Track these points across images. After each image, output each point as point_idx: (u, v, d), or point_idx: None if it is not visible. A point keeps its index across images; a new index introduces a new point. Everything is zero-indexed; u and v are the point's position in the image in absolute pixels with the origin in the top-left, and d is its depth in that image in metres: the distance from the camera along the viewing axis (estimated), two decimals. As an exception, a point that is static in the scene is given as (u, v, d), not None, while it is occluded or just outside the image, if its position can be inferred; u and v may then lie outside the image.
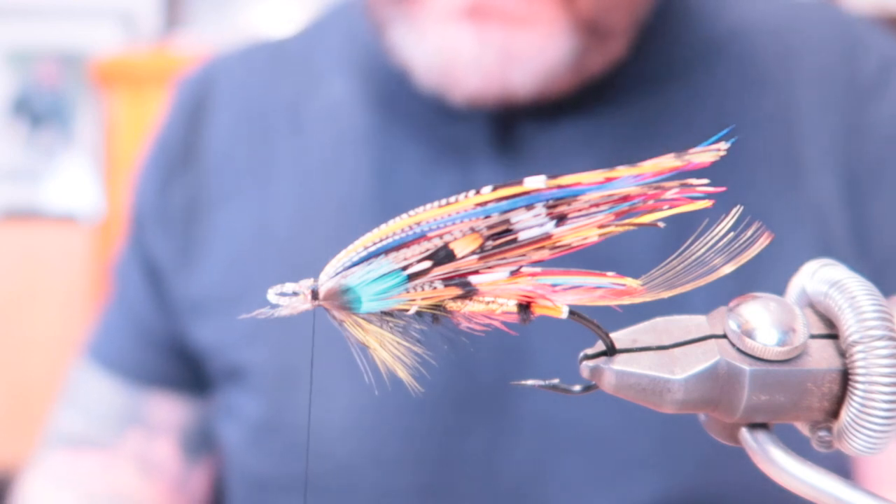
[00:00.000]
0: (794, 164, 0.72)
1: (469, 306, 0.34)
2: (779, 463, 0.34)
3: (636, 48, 0.75)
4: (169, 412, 0.84)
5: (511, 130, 0.73)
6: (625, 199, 0.32)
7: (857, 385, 0.32)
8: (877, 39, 0.77)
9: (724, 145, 0.32)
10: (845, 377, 0.33)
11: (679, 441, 0.68)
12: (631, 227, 0.32)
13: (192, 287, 0.80)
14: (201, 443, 0.86)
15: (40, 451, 0.86)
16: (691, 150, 0.32)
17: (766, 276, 0.57)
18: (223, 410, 0.82)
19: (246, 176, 0.81)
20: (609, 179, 0.31)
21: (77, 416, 0.85)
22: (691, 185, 0.32)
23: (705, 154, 0.32)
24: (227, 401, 0.81)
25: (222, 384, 0.81)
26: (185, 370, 0.84)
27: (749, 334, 0.33)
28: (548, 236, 0.32)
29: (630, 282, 0.33)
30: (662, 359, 0.34)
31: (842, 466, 0.72)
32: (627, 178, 0.31)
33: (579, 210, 0.32)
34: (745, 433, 0.35)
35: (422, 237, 0.32)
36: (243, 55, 0.89)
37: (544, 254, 0.33)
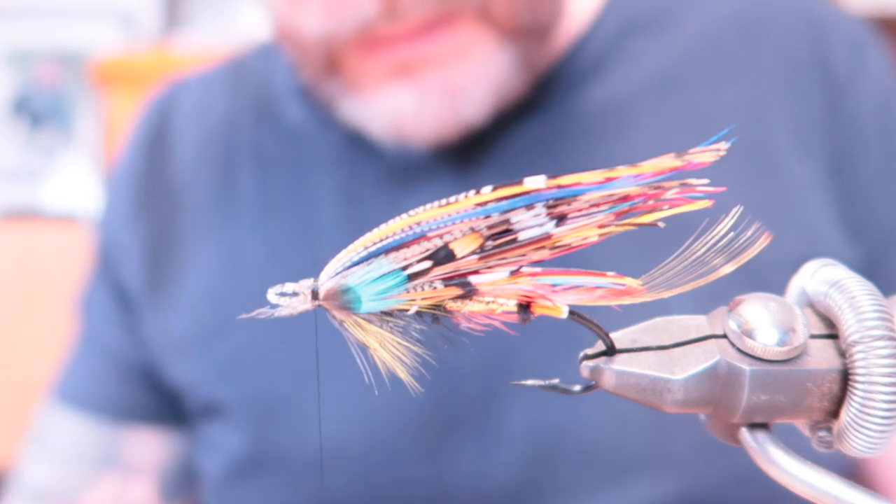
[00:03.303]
0: (764, 153, 0.71)
1: (469, 306, 0.34)
2: (779, 463, 0.34)
3: (592, 33, 0.75)
4: (149, 449, 0.81)
5: (471, 141, 0.72)
6: (625, 198, 0.32)
7: (857, 385, 0.32)
8: (839, 21, 0.77)
9: (723, 145, 0.32)
10: (845, 377, 0.33)
11: (672, 444, 0.67)
12: (631, 227, 0.32)
13: (164, 324, 0.78)
14: (181, 481, 0.83)
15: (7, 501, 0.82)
16: (691, 150, 0.32)
17: (747, 267, 0.56)
18: (203, 443, 0.79)
19: (212, 208, 0.79)
20: (609, 179, 0.31)
21: (45, 466, 0.81)
22: (691, 185, 0.32)
23: (705, 154, 0.32)
24: (206, 435, 0.78)
25: (200, 419, 0.78)
26: (165, 402, 0.81)
27: (749, 334, 0.33)
28: (548, 236, 0.32)
29: (630, 282, 0.33)
30: (662, 359, 0.34)
31: (844, 466, 0.72)
32: (627, 177, 0.31)
33: (579, 210, 0.32)
34: (745, 433, 0.35)
35: (422, 237, 0.32)
36: (200, 80, 0.87)
37: (544, 254, 0.33)
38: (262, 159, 0.79)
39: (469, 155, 0.73)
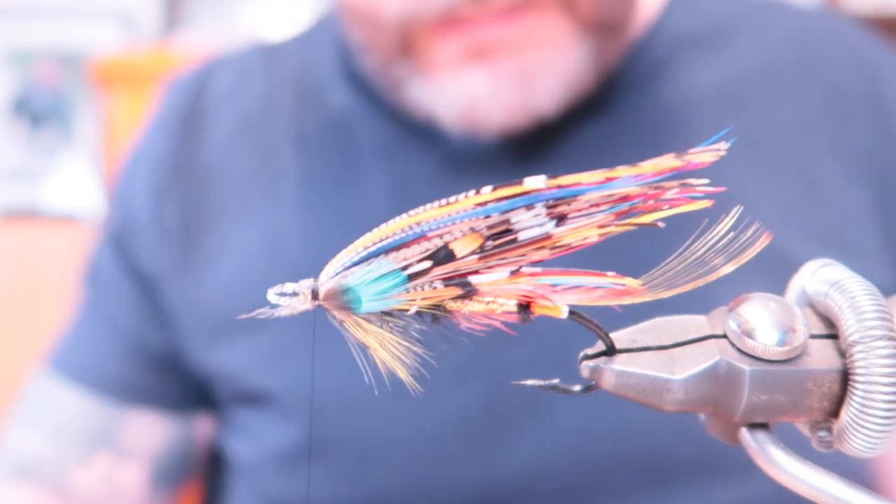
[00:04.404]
0: (812, 175, 0.72)
1: (469, 306, 0.34)
2: (779, 463, 0.34)
3: (652, 37, 0.75)
4: (147, 433, 0.79)
5: (537, 134, 0.71)
6: (625, 198, 0.32)
7: (857, 385, 0.32)
8: (885, 52, 0.78)
9: (723, 145, 0.32)
10: (845, 377, 0.33)
11: (725, 455, 0.65)
12: (631, 227, 0.32)
13: (199, 309, 0.76)
14: (175, 468, 0.81)
15: None
16: (691, 150, 0.32)
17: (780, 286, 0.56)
18: (234, 429, 0.78)
19: (249, 190, 0.77)
20: (609, 179, 0.31)
21: (37, 439, 0.78)
22: (691, 185, 0.32)
23: (705, 154, 0.32)
24: (241, 422, 0.77)
25: (233, 406, 0.77)
26: (174, 385, 0.79)
27: (749, 334, 0.33)
28: (548, 236, 0.32)
29: (630, 282, 0.33)
30: (662, 359, 0.34)
31: (846, 466, 0.72)
32: (627, 177, 0.31)
33: (579, 210, 0.32)
34: (745, 433, 0.35)
35: (422, 237, 0.32)
36: (237, 60, 0.85)
37: (544, 254, 0.33)
38: (305, 144, 0.77)
39: (533, 149, 0.72)
